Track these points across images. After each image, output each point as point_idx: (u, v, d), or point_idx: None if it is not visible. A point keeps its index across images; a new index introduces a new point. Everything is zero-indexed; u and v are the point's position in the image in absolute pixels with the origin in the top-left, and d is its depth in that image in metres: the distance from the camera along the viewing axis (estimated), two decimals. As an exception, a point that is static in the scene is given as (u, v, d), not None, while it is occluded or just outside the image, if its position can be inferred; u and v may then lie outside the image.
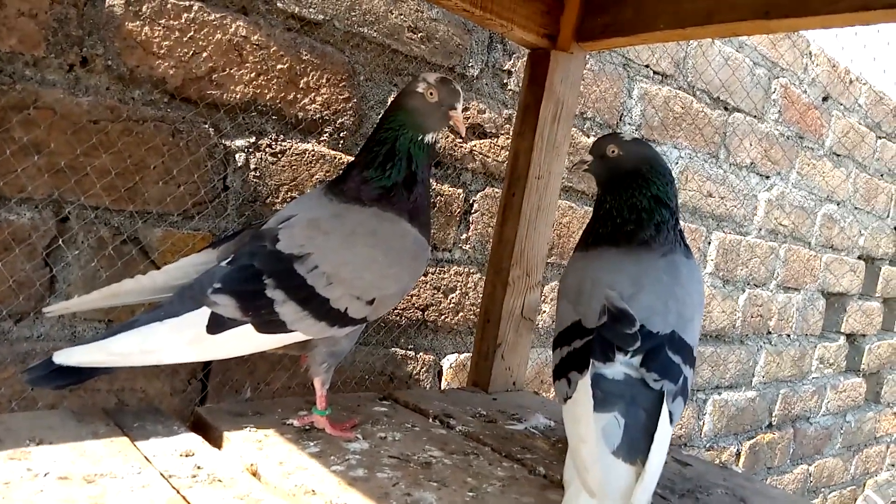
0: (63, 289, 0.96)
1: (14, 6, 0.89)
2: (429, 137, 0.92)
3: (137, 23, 0.98)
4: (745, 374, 2.31)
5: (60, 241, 0.95)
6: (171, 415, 0.89)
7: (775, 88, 2.15)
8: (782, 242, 2.36)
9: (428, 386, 1.42)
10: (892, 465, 3.34)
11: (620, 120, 1.72)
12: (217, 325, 0.79)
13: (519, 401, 1.21)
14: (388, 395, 1.11)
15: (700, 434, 2.17)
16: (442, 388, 1.44)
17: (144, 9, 0.99)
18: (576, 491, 0.69)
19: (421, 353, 1.40)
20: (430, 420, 1.03)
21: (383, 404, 1.06)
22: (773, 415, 2.49)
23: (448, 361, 1.46)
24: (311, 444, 0.85)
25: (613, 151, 0.96)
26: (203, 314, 0.79)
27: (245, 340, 0.82)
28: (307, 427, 0.90)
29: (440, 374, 1.45)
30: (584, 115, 1.63)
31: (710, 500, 0.86)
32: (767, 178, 2.23)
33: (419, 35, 1.30)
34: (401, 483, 0.77)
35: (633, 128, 1.75)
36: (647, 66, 1.74)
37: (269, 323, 0.81)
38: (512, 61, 1.46)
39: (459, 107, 0.92)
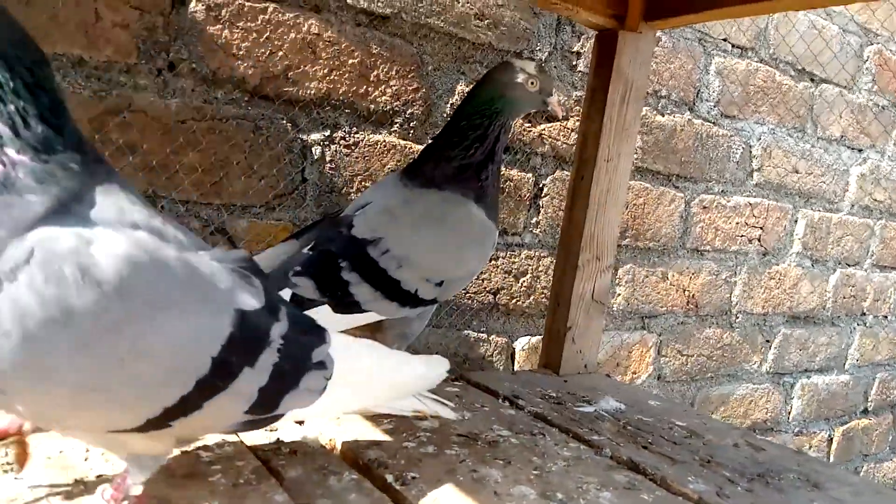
0: (159, 277, 1.05)
1: (109, 18, 0.97)
2: (511, 124, 0.96)
3: (218, 26, 1.05)
4: (837, 358, 2.21)
5: (155, 233, 1.03)
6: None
7: (868, 56, 2.03)
8: (878, 219, 2.23)
9: (501, 367, 1.45)
10: None
11: (697, 96, 1.68)
12: (297, 305, 0.84)
13: (589, 383, 1.23)
14: (459, 376, 1.15)
15: (788, 418, 2.10)
16: (515, 369, 1.47)
17: (224, 13, 1.05)
18: None
19: (493, 336, 1.43)
20: (500, 400, 1.06)
21: (455, 385, 1.10)
22: (870, 399, 2.37)
23: (520, 344, 1.48)
24: (385, 421, 0.90)
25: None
26: (285, 295, 0.84)
27: (323, 320, 0.87)
28: (381, 405, 0.95)
29: (513, 355, 1.48)
30: (659, 94, 1.60)
31: (781, 485, 0.85)
32: (860, 151, 2.11)
33: (486, 22, 1.31)
34: (468, 460, 0.81)
35: (711, 104, 1.70)
36: (724, 40, 1.69)
37: (344, 303, 0.86)
38: (581, 42, 1.46)
39: (555, 92, 0.95)
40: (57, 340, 0.46)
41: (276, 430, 0.83)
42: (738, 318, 1.90)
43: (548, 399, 1.09)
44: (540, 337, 1.48)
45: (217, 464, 0.72)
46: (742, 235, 1.85)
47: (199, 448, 0.75)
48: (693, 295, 1.78)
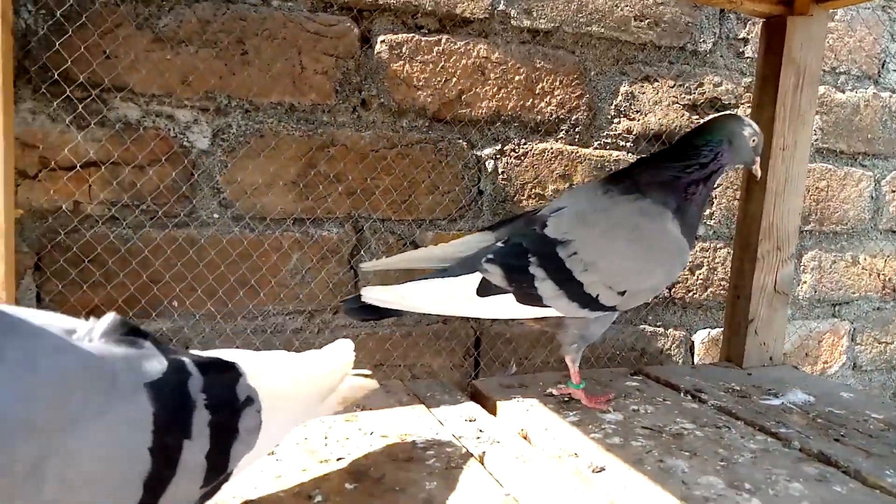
0: (364, 287, 1.20)
1: (311, 68, 1.13)
2: (727, 169, 1.02)
3: (400, 63, 1.18)
4: None
5: (361, 250, 1.18)
6: (453, 386, 1.07)
7: None
8: None
9: (680, 361, 1.47)
10: None
11: (882, 67, 1.57)
12: (485, 289, 0.93)
13: (776, 375, 1.21)
14: (638, 371, 1.19)
15: None
16: (694, 363, 1.47)
17: (404, 50, 1.18)
18: None
19: (671, 329, 1.45)
20: (682, 394, 1.09)
21: (634, 379, 1.15)
22: None
23: (699, 337, 1.48)
24: (571, 413, 0.97)
25: None
26: (476, 278, 0.93)
27: (506, 307, 0.95)
28: (566, 398, 1.02)
29: (692, 349, 1.49)
30: (837, 70, 1.52)
31: None
32: None
33: (646, 22, 1.34)
34: (654, 451, 0.86)
35: (901, 74, 1.58)
36: (913, 3, 1.56)
37: (527, 295, 0.94)
38: (747, 28, 1.43)
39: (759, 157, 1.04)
40: None
41: (474, 420, 0.94)
42: (946, 301, 1.74)
43: (731, 392, 1.10)
44: (720, 329, 1.48)
45: (430, 449, 0.84)
46: (947, 211, 1.69)
47: (414, 437, 0.87)
48: (889, 278, 1.67)
